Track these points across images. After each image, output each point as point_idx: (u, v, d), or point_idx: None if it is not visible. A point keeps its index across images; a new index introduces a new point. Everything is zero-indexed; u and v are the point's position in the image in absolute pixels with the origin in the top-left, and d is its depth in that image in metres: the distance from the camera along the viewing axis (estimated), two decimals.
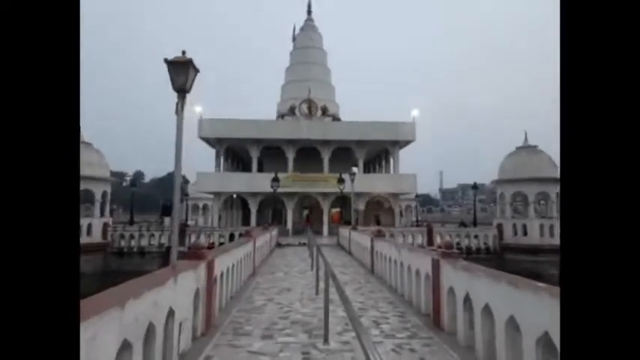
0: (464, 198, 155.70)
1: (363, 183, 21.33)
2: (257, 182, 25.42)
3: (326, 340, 4.42)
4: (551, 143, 19.40)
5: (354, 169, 18.17)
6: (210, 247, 17.82)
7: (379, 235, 9.72)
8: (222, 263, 6.06)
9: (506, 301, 3.38)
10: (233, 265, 7.00)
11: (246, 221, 28.02)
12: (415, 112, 25.49)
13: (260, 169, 27.87)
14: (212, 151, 28.17)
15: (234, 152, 30.28)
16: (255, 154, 26.61)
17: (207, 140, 26.77)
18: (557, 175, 18.45)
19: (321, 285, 7.39)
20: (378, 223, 20.52)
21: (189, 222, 35.73)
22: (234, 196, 28.24)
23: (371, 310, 5.97)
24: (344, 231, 17.03)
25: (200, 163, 30.32)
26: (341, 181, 19.78)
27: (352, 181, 17.23)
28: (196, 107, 25.77)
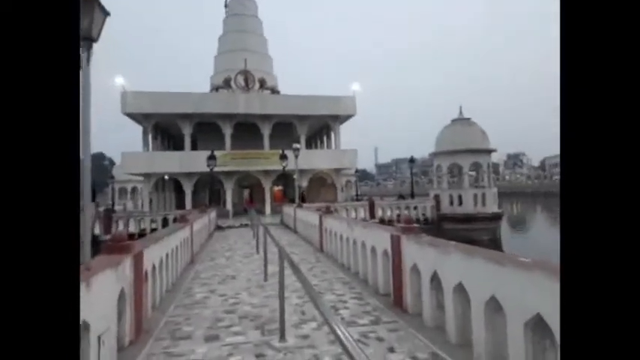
0: (397, 172, 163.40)
1: (305, 159, 20.79)
2: (191, 161, 23.71)
3: (282, 337, 3.84)
4: (482, 118, 20.36)
5: (298, 145, 17.50)
6: (134, 236, 16.32)
7: (328, 211, 9.28)
8: (154, 254, 5.16)
9: (485, 279, 3.04)
10: (167, 255, 6.09)
11: (180, 204, 26.29)
12: (355, 87, 25.24)
13: (194, 148, 26.04)
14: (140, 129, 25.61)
15: (164, 129, 27.90)
16: (187, 131, 24.66)
17: (133, 116, 24.21)
18: (489, 145, 19.46)
19: (270, 269, 6.78)
20: (303, 200, 20.17)
21: (117, 207, 32.82)
22: (166, 177, 26.19)
23: (327, 294, 5.51)
24: (288, 209, 16.46)
25: (133, 142, 27.53)
26: (283, 157, 19.02)
27: (296, 157, 16.58)
28: (117, 79, 23.05)
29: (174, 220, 17.31)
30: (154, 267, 5.12)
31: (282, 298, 3.97)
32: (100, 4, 3.37)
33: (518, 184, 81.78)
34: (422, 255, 4.15)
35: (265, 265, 6.58)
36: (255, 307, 5.00)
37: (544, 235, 30.08)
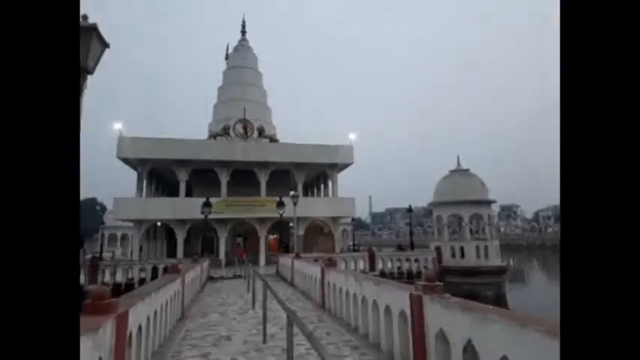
0: (392, 221, 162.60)
1: (302, 207, 20.32)
2: (185, 208, 23.13)
3: None
4: (478, 168, 20.38)
5: (295, 192, 17.14)
6: (120, 286, 15.32)
7: (331, 264, 8.70)
8: (141, 313, 4.55)
9: (540, 356, 2.53)
10: (156, 313, 5.44)
11: (171, 252, 25.30)
12: (352, 136, 25.51)
13: (189, 194, 25.58)
14: (135, 174, 25.25)
15: (160, 175, 27.57)
16: (183, 178, 24.33)
17: (128, 161, 23.95)
18: (488, 197, 19.26)
19: (270, 329, 6.10)
20: (287, 250, 19.37)
21: (105, 254, 31.57)
22: (159, 224, 25.42)
23: (346, 351, 4.84)
24: (285, 259, 15.72)
25: (125, 187, 27.09)
26: (281, 204, 18.58)
27: (295, 204, 16.16)
28: (115, 125, 23.08)
29: (165, 269, 16.41)
30: (139, 328, 4.49)
31: None
32: (99, 34, 3.12)
33: (513, 236, 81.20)
34: (451, 320, 3.62)
35: (264, 325, 5.91)
36: None
37: (544, 289, 29.15)
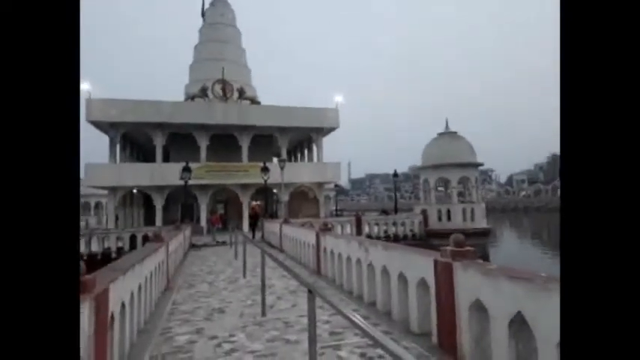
0: (370, 187, 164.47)
1: (287, 172, 19.64)
2: (163, 174, 22.03)
3: None
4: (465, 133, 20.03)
5: (280, 157, 16.36)
6: (96, 256, 14.47)
7: (326, 228, 8.18)
8: (123, 290, 3.89)
9: None
10: (140, 287, 4.80)
11: (150, 220, 24.40)
12: (339, 99, 24.54)
13: (166, 160, 24.33)
14: (107, 139, 23.65)
15: (134, 140, 26.05)
16: (159, 142, 22.99)
17: (99, 125, 22.32)
18: (476, 159, 19.08)
19: (269, 300, 5.59)
20: (256, 216, 18.37)
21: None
22: (135, 191, 24.26)
23: (347, 333, 4.38)
24: (272, 225, 15.20)
25: (97, 152, 25.43)
26: (265, 170, 17.80)
27: (282, 168, 15.46)
28: (83, 85, 21.23)
29: (145, 237, 15.65)
30: (122, 306, 3.84)
31: (313, 354, 2.83)
32: None
33: (489, 199, 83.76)
34: (493, 290, 3.13)
35: (263, 296, 5.37)
36: (261, 357, 3.81)
37: (516, 247, 30.17)
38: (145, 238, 15.61)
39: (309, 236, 9.10)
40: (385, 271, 5.11)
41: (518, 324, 2.90)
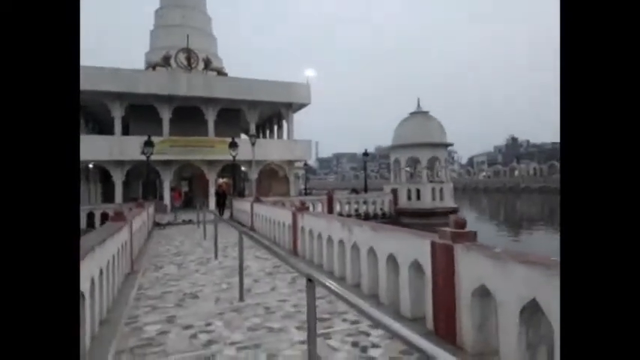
0: (338, 166, 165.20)
1: (257, 149, 18.93)
2: (122, 148, 20.68)
3: None
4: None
5: (251, 132, 15.65)
6: None
7: (303, 207, 7.83)
8: (82, 277, 3.35)
9: None
10: (101, 272, 4.25)
11: (108, 197, 23.03)
12: (310, 73, 23.78)
13: (125, 133, 22.79)
14: None
15: (89, 110, 24.13)
16: (117, 114, 21.43)
17: None
18: (446, 140, 19.25)
19: (246, 283, 5.20)
20: (223, 194, 17.94)
21: None
22: (91, 165, 22.66)
23: (335, 320, 4.09)
24: (241, 204, 14.65)
25: None
26: (234, 145, 17.02)
27: (253, 144, 14.83)
28: None
29: (104, 215, 14.64)
30: (81, 295, 3.32)
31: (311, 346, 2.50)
32: None
33: (452, 180, 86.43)
34: (501, 274, 2.92)
35: (241, 279, 4.97)
36: (244, 350, 3.45)
37: (474, 224, 31.41)
38: (104, 217, 14.61)
39: (284, 215, 8.71)
40: (372, 253, 4.85)
41: (531, 311, 2.71)
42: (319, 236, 6.65)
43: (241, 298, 4.86)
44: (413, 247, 4.00)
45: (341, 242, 5.73)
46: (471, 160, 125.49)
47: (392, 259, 4.43)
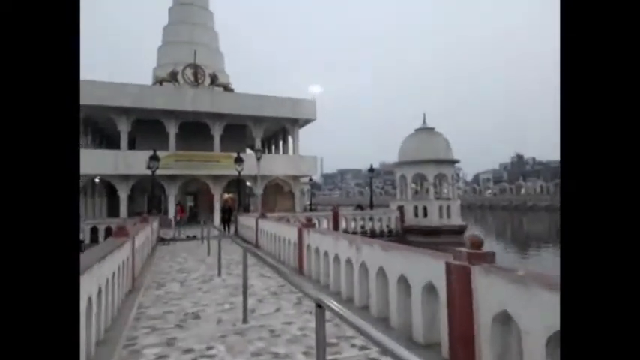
0: (342, 182, 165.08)
1: (262, 164, 18.85)
2: (128, 162, 20.69)
3: None
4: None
5: (257, 147, 15.60)
6: None
7: (309, 224, 7.64)
8: (81, 292, 3.18)
9: None
10: (100, 290, 4.08)
11: (113, 211, 22.96)
12: (316, 89, 23.90)
13: (132, 147, 22.88)
14: None
15: (96, 125, 24.33)
16: (124, 128, 21.55)
17: None
18: (452, 156, 19.08)
19: (249, 303, 4.99)
20: (229, 210, 17.48)
21: None
22: (97, 179, 22.70)
23: (343, 345, 3.86)
24: (246, 220, 14.47)
25: None
26: (239, 160, 16.96)
27: (258, 159, 14.69)
28: None
29: (108, 230, 14.52)
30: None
31: None
32: None
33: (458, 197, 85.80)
34: (528, 301, 2.71)
35: (245, 299, 4.76)
36: None
37: (487, 243, 30.80)
38: (109, 231, 14.48)
39: (290, 232, 8.53)
40: (382, 273, 4.64)
41: (558, 340, 2.49)
42: (326, 254, 6.45)
43: (245, 320, 4.65)
44: (426, 268, 3.81)
45: (349, 261, 5.53)
46: (476, 178, 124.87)
47: (403, 280, 4.23)
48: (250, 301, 5.48)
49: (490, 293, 3.02)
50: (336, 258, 5.97)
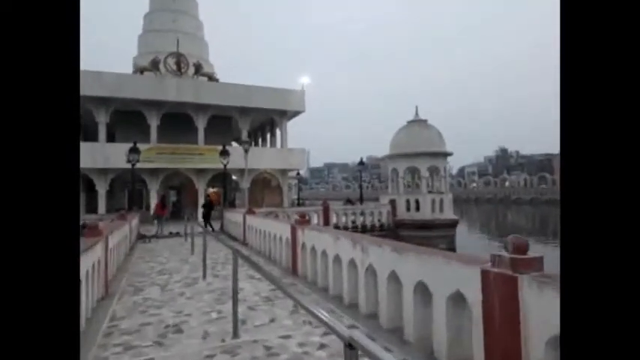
0: (329, 176, 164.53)
1: (249, 158, 18.06)
2: (106, 155, 19.64)
3: None
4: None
5: (244, 139, 14.81)
6: None
7: (304, 221, 6.99)
8: None
9: None
10: None
11: (92, 207, 21.83)
12: (305, 80, 23.10)
13: (111, 140, 21.74)
14: None
15: None
16: (102, 119, 20.43)
17: None
18: (446, 148, 18.67)
19: (240, 311, 4.33)
20: (210, 204, 16.41)
21: None
22: None
23: None
24: (233, 215, 13.72)
25: None
26: (225, 153, 16.13)
27: (246, 151, 13.94)
28: None
29: (83, 227, 13.54)
30: None
31: None
32: None
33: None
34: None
35: (235, 310, 4.08)
36: None
37: (465, 235, 30.68)
38: (84, 228, 13.52)
39: (281, 229, 7.87)
40: (394, 278, 4.04)
41: None
42: (324, 254, 5.82)
43: (235, 334, 3.98)
44: (453, 276, 3.21)
45: (352, 263, 4.91)
46: (461, 171, 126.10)
47: (421, 288, 3.63)
48: (240, 309, 4.80)
49: (545, 310, 2.43)
50: (337, 259, 5.34)
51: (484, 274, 2.85)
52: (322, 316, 1.80)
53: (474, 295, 2.95)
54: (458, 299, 3.20)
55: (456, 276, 3.18)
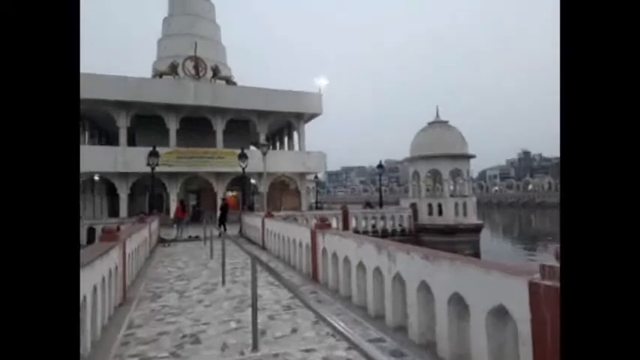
0: (347, 180, 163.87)
1: (267, 161, 17.97)
2: (127, 159, 19.87)
3: None
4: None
5: (262, 142, 14.71)
6: None
7: (325, 225, 6.74)
8: None
9: None
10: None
11: (114, 211, 22.18)
12: (323, 82, 22.92)
13: (131, 144, 22.06)
14: None
15: (93, 120, 23.52)
16: (123, 123, 20.72)
17: None
18: (468, 151, 18.12)
19: (261, 320, 4.11)
20: (225, 208, 16.44)
21: None
22: (96, 177, 21.90)
23: None
24: (251, 219, 13.58)
25: None
26: (243, 156, 16.06)
27: (264, 154, 13.82)
28: None
29: (103, 232, 13.66)
30: None
31: None
32: None
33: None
34: None
35: (254, 320, 3.85)
36: None
37: (488, 240, 29.76)
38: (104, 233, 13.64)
39: (301, 233, 7.63)
40: (425, 289, 3.73)
41: None
42: (346, 261, 5.55)
43: (255, 347, 3.75)
44: (495, 287, 2.89)
45: (377, 271, 4.63)
46: (483, 174, 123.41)
47: (456, 300, 3.32)
48: (260, 318, 4.58)
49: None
50: (361, 266, 5.06)
51: (533, 287, 2.53)
52: (348, 335, 1.55)
53: (521, 311, 2.63)
54: (501, 314, 2.88)
55: (497, 288, 2.87)
